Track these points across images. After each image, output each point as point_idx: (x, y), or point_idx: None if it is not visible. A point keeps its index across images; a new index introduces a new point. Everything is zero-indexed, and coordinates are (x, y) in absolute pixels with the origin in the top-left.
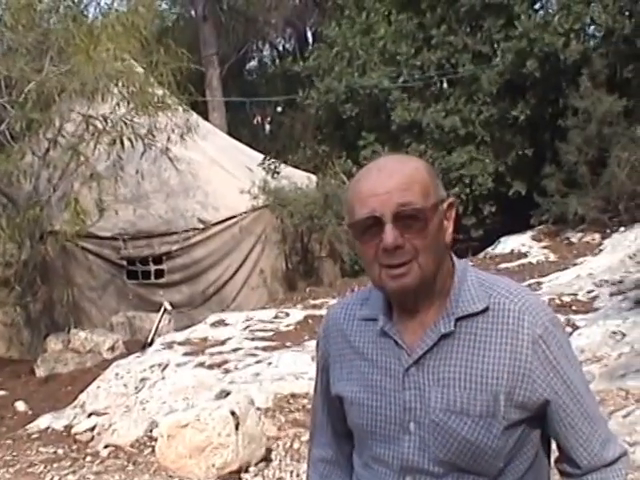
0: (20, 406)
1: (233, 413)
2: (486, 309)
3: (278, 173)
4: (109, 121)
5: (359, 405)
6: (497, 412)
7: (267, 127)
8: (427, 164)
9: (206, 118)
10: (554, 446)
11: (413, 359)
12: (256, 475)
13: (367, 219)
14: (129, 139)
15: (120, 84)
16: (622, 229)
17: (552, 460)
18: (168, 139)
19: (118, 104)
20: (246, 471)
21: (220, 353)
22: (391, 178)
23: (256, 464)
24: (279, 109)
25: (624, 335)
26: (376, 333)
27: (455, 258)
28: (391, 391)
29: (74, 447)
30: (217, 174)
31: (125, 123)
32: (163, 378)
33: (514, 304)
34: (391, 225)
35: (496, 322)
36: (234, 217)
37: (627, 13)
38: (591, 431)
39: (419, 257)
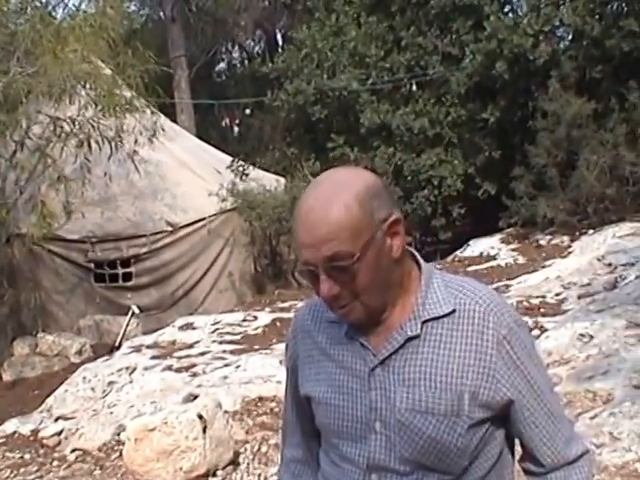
0: None
1: (200, 417)
2: (452, 311)
3: (247, 175)
4: (76, 123)
5: (326, 405)
6: (461, 411)
7: (236, 129)
8: (365, 189)
9: (174, 120)
10: (518, 445)
11: (379, 359)
12: (224, 479)
13: (304, 269)
14: (96, 141)
15: (87, 86)
16: (591, 232)
17: (516, 459)
18: (136, 141)
19: (85, 106)
20: (214, 475)
21: (188, 356)
22: (315, 229)
23: (224, 468)
24: (248, 111)
25: (592, 337)
26: (342, 335)
27: (421, 260)
28: (357, 391)
29: (41, 452)
30: (185, 176)
31: (92, 125)
32: (131, 382)
33: (479, 305)
34: (325, 276)
35: (462, 323)
36: (202, 220)
37: (597, 15)
38: (554, 430)
39: (360, 297)
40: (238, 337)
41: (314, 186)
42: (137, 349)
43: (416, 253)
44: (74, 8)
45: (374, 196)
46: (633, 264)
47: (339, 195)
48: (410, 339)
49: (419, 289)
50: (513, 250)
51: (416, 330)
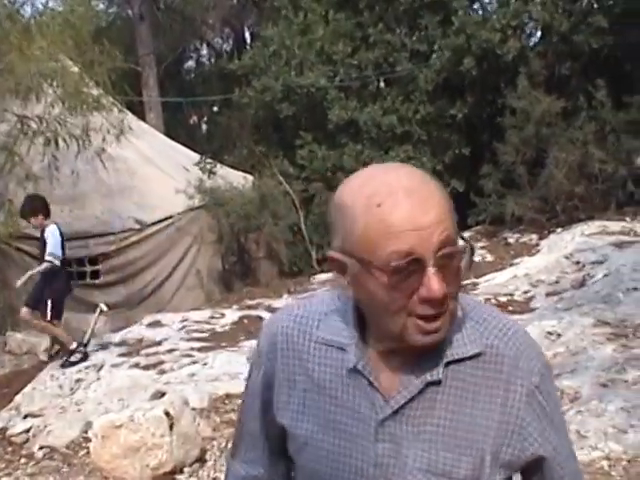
0: None
1: (167, 413)
2: (479, 354)
3: (214, 173)
4: (44, 121)
5: (317, 448)
6: (482, 475)
7: (204, 127)
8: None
9: (143, 118)
10: None
11: (392, 408)
12: (191, 476)
13: (404, 260)
14: (64, 139)
15: (55, 84)
16: (559, 230)
17: None
18: (103, 139)
19: (53, 104)
20: (181, 472)
21: (155, 354)
22: (429, 206)
23: (191, 464)
24: (216, 109)
25: (559, 335)
26: (342, 365)
27: None
28: (359, 439)
29: (9, 449)
30: (153, 174)
31: (60, 123)
32: (98, 379)
33: (509, 349)
34: (434, 269)
35: (489, 369)
36: (170, 217)
37: (566, 11)
38: None
39: (450, 305)
40: (206, 334)
41: (388, 175)
42: (104, 347)
43: None
44: (42, 6)
45: None
46: (601, 262)
47: (427, 177)
48: (429, 384)
49: None
50: (481, 248)
51: (437, 375)
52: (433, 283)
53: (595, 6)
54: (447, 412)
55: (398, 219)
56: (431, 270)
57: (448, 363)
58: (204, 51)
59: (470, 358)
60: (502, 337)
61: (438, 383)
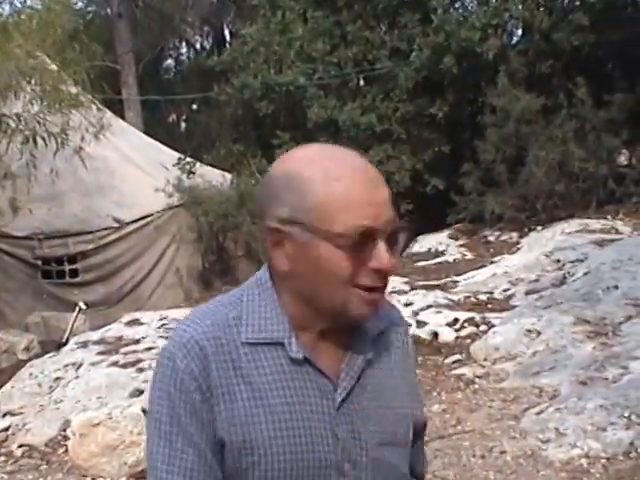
0: None
1: (145, 411)
2: (387, 327)
3: (194, 173)
4: (22, 119)
5: (277, 455)
6: (409, 437)
7: (183, 125)
8: None
9: (122, 116)
10: None
11: (345, 389)
12: None
13: (360, 231)
14: (42, 137)
15: (33, 81)
16: (539, 228)
17: None
18: (82, 138)
19: (31, 102)
20: None
21: (134, 352)
22: (381, 186)
23: None
24: (195, 107)
25: (539, 333)
26: (282, 361)
27: None
28: (318, 429)
29: None
30: (132, 173)
31: (38, 121)
32: (77, 377)
33: (399, 319)
34: (384, 242)
35: (396, 339)
36: (149, 216)
37: (546, 9)
38: (422, 451)
39: (389, 279)
40: None
41: (335, 149)
42: (84, 345)
43: None
44: (20, 4)
45: None
46: (582, 261)
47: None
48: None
49: None
50: (461, 246)
51: (370, 350)
52: (384, 255)
53: (577, 3)
54: (377, 385)
55: (357, 194)
56: (382, 243)
57: (372, 339)
58: (183, 49)
59: (382, 332)
60: (391, 309)
61: (369, 361)
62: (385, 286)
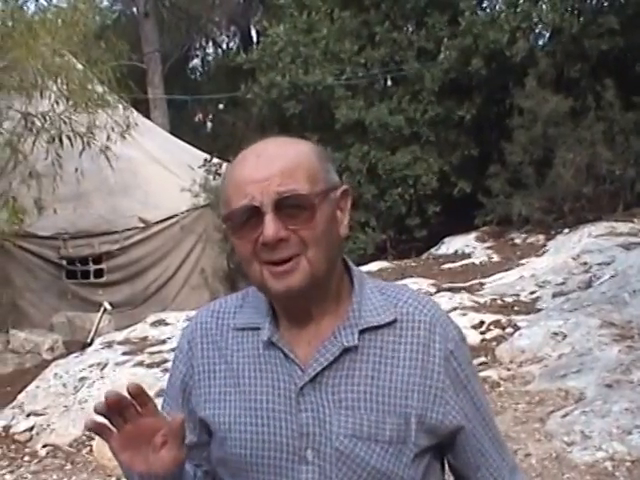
0: None
1: None
2: (394, 321)
3: (220, 175)
4: (48, 118)
5: (240, 432)
6: (408, 437)
7: (209, 125)
8: (317, 147)
9: (147, 116)
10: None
11: (309, 375)
12: None
13: (244, 209)
14: (68, 137)
15: (59, 80)
16: (566, 231)
17: None
18: (108, 137)
19: (57, 101)
20: None
21: (159, 352)
22: (272, 163)
23: None
24: (221, 107)
25: (565, 336)
26: (259, 345)
27: (351, 264)
28: (282, 413)
29: (12, 447)
30: (158, 173)
31: (64, 121)
32: (102, 377)
33: (424, 315)
34: (272, 215)
35: (405, 335)
36: (175, 216)
37: (575, 12)
38: (500, 459)
39: (308, 251)
40: None
41: (255, 145)
42: (109, 345)
43: (345, 256)
44: (46, 3)
45: (328, 159)
46: (608, 263)
47: (296, 143)
48: (346, 351)
49: (353, 294)
50: (488, 248)
51: (353, 340)
52: (267, 228)
53: (606, 6)
54: (366, 378)
55: (242, 175)
56: (269, 216)
57: (362, 331)
58: (210, 49)
59: (385, 326)
60: (417, 305)
61: (355, 350)
62: (288, 257)
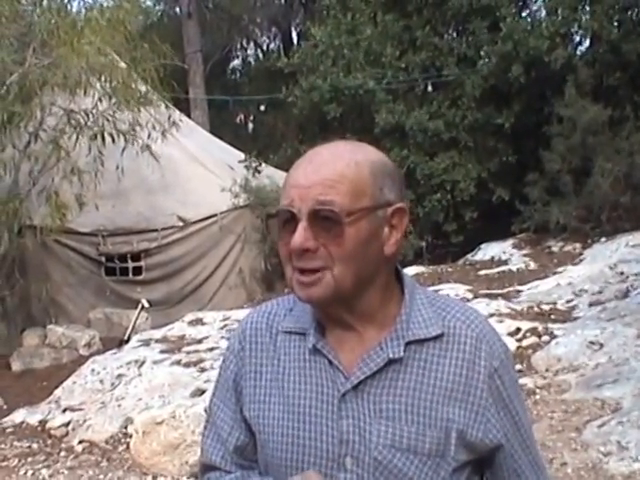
0: None
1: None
2: (440, 334)
3: (259, 172)
4: (91, 116)
5: (281, 436)
6: (447, 451)
7: (250, 126)
8: (379, 160)
9: (188, 115)
10: None
11: (352, 383)
12: None
13: (284, 211)
14: (110, 134)
15: (103, 78)
16: (603, 239)
17: None
18: (149, 136)
19: (100, 99)
20: None
21: (197, 351)
22: (318, 171)
23: None
24: (262, 108)
25: (602, 345)
26: (305, 350)
27: (403, 273)
28: (323, 419)
29: (48, 442)
30: (198, 172)
31: (107, 118)
32: (139, 375)
33: (471, 330)
34: (305, 223)
35: (451, 350)
36: (214, 216)
37: (616, 21)
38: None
39: (335, 267)
40: None
41: (318, 148)
42: (146, 343)
43: (398, 266)
44: (90, 0)
45: (388, 174)
46: None
47: (354, 153)
48: (391, 362)
49: (402, 305)
50: (525, 255)
51: (399, 352)
52: (296, 235)
53: None
54: (409, 389)
55: (292, 176)
56: (301, 224)
57: (409, 343)
58: (251, 50)
59: (432, 339)
60: (464, 320)
61: (399, 362)
62: (313, 270)
